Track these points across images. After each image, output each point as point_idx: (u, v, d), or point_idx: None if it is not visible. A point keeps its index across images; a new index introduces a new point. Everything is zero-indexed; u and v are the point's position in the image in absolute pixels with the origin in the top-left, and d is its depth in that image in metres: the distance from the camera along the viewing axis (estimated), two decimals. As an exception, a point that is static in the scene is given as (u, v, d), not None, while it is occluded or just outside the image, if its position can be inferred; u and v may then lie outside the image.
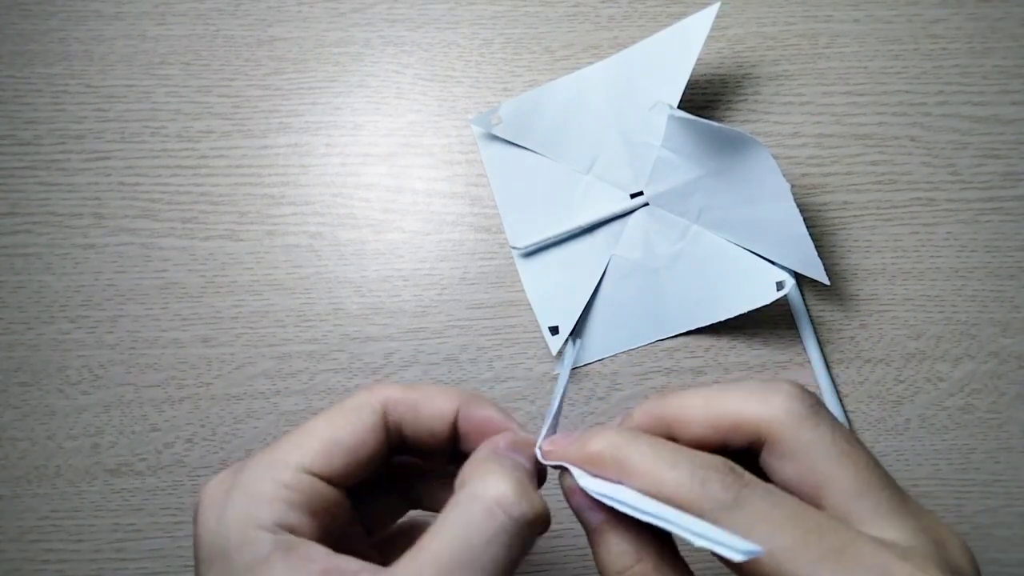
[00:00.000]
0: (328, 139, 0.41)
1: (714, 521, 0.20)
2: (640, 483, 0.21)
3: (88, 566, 0.38)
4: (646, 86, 0.39)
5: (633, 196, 0.40)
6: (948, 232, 0.41)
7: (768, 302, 0.37)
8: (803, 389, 0.23)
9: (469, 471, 0.23)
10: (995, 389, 0.40)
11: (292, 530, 0.22)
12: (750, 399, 0.23)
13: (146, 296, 0.40)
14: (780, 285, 0.37)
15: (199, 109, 0.41)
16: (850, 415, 0.40)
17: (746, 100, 0.42)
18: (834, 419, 0.23)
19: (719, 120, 0.41)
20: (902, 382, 0.40)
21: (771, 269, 0.37)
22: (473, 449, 0.24)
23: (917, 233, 0.41)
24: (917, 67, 0.42)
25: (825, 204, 0.41)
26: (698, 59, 0.38)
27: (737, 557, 0.18)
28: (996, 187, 0.41)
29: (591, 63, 0.41)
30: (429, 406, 0.24)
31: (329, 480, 0.23)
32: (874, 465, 0.22)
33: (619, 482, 0.22)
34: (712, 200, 0.38)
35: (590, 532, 0.24)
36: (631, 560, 0.22)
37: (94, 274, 0.40)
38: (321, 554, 0.22)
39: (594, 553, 0.24)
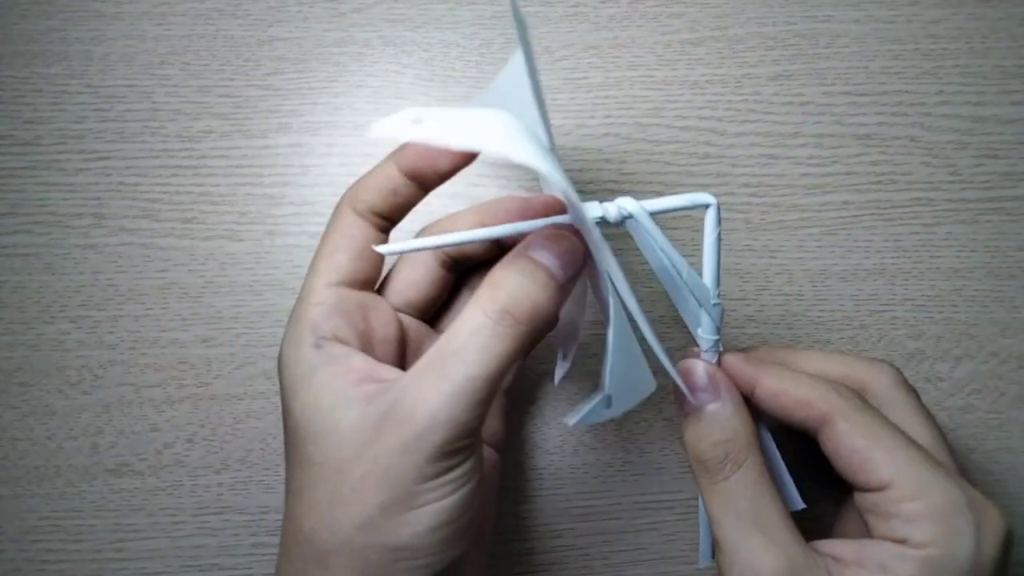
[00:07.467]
0: (328, 139, 0.41)
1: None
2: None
3: (88, 566, 0.38)
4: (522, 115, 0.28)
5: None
6: (948, 232, 0.41)
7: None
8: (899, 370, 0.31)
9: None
10: (995, 389, 0.40)
11: (336, 337, 0.26)
12: (859, 361, 0.31)
13: (146, 296, 0.40)
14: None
15: (199, 109, 0.41)
16: (850, 415, 0.40)
17: (746, 100, 0.42)
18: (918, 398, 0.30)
19: (720, 119, 0.41)
20: (902, 382, 0.40)
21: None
22: None
23: (917, 233, 0.41)
24: (917, 67, 0.42)
25: (825, 204, 0.41)
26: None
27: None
28: (996, 187, 0.41)
29: (591, 63, 0.41)
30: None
31: (354, 284, 0.27)
32: (943, 438, 0.29)
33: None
34: None
35: (696, 412, 0.30)
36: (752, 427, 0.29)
37: (94, 274, 0.40)
38: (361, 362, 0.25)
39: (697, 426, 0.30)
